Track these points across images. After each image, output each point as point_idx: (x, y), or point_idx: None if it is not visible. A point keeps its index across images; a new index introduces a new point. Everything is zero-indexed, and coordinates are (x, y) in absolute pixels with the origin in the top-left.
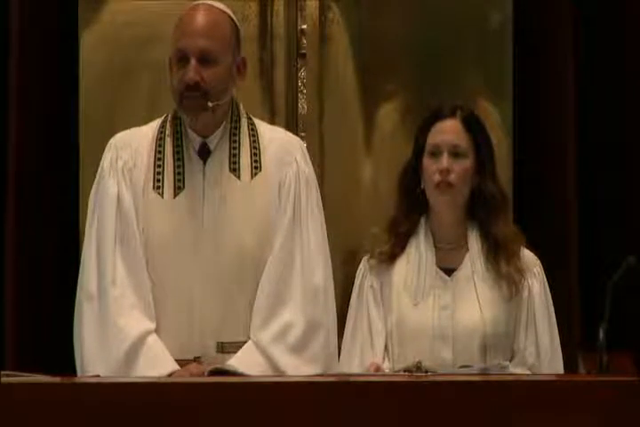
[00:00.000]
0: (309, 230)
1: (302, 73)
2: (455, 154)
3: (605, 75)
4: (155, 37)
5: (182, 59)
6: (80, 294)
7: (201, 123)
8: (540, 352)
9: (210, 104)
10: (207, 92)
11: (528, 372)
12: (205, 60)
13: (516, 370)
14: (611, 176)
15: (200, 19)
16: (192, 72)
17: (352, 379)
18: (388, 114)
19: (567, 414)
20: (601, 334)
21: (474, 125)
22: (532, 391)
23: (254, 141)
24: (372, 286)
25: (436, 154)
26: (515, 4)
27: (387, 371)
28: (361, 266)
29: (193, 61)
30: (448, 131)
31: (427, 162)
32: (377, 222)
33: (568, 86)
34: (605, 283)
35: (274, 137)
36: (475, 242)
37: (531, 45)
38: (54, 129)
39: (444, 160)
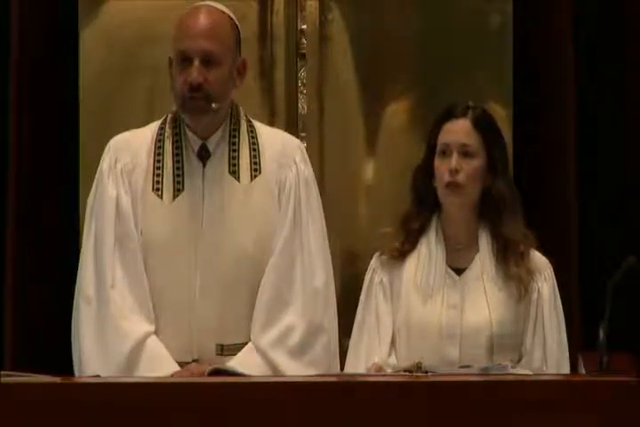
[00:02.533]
0: (310, 233)
1: (302, 73)
2: (465, 153)
3: (605, 75)
4: (154, 37)
5: (185, 60)
6: (78, 298)
7: (202, 124)
8: (547, 355)
9: (213, 106)
10: (210, 93)
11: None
12: (208, 61)
13: (521, 372)
14: (611, 177)
15: (202, 20)
16: (196, 73)
17: (352, 379)
18: (388, 114)
19: (567, 414)
20: (601, 334)
21: (485, 125)
22: (532, 391)
23: (254, 144)
24: (381, 282)
25: (446, 153)
26: (515, 4)
27: (388, 371)
28: (372, 262)
29: (196, 63)
30: (458, 130)
31: (437, 162)
32: (376, 223)
33: (568, 86)
34: (605, 283)
35: (273, 139)
36: (485, 242)
37: (531, 46)
38: (54, 129)
39: (453, 160)
